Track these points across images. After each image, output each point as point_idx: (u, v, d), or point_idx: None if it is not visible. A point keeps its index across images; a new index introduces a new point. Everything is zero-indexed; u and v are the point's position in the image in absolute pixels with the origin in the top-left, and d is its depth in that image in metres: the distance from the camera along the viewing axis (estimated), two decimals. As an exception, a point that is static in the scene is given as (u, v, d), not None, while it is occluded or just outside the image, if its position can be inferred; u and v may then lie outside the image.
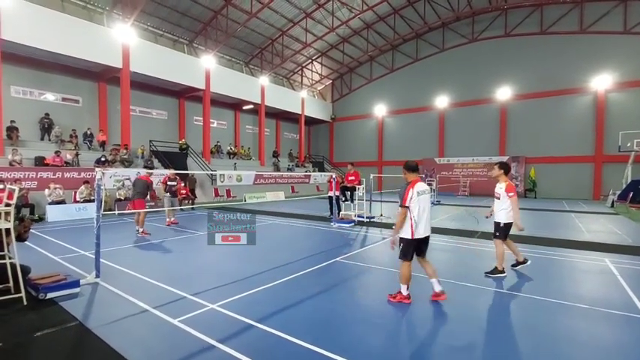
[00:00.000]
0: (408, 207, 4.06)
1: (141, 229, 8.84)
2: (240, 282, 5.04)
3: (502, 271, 5.42)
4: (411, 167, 4.33)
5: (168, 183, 10.87)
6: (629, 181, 18.25)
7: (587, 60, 22.12)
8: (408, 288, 4.26)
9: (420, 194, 4.10)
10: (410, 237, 4.12)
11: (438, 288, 4.30)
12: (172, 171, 10.90)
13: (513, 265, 5.80)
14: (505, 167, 5.51)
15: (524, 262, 5.74)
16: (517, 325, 3.73)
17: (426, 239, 4.28)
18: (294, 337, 3.28)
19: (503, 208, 5.43)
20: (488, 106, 25.97)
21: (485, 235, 9.09)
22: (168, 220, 10.73)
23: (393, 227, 4.34)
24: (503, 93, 25.04)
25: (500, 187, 5.48)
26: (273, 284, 4.92)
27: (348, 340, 3.28)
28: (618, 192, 17.90)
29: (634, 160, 18.84)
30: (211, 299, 4.27)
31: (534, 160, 24.18)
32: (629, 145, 18.84)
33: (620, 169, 19.69)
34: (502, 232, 5.46)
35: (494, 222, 5.58)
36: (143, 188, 9.23)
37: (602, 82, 21.65)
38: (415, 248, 4.22)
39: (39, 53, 15.19)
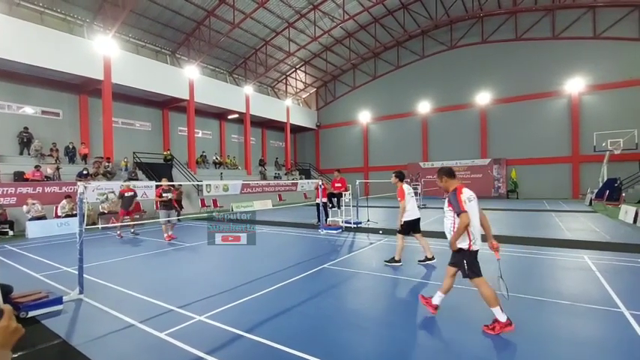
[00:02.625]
0: (466, 211, 3.50)
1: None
2: (228, 292, 5.02)
3: (398, 261, 6.36)
4: (450, 173, 3.91)
5: (163, 195, 9.83)
6: (605, 179, 18.95)
7: (560, 64, 23.02)
8: (502, 310, 3.49)
9: (470, 200, 3.63)
10: (467, 248, 3.59)
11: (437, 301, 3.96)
12: (166, 182, 10.03)
13: (420, 261, 6.51)
14: (400, 175, 6.56)
15: (432, 259, 6.45)
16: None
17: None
18: (284, 346, 3.29)
19: (399, 211, 6.36)
20: (469, 111, 26.65)
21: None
22: (166, 234, 9.78)
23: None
24: (483, 97, 25.77)
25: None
26: (261, 293, 4.92)
27: (337, 346, 3.32)
28: (595, 190, 18.54)
29: (609, 160, 19.58)
30: (199, 311, 4.24)
31: (515, 162, 24.85)
32: (603, 145, 19.60)
33: (597, 168, 20.43)
34: (402, 228, 6.36)
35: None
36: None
37: (575, 85, 22.55)
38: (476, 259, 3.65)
39: (17, 66, 14.88)
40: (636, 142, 18.96)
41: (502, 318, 3.44)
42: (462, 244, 3.59)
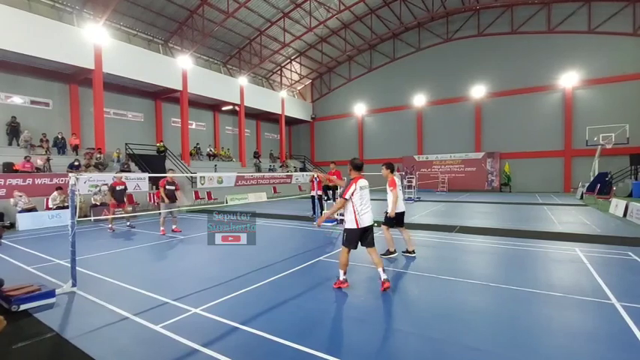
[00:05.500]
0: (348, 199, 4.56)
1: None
2: (224, 285, 5.00)
3: (393, 252, 6.39)
4: (356, 165, 4.79)
5: (167, 187, 9.49)
6: (596, 173, 19.20)
7: (555, 58, 23.10)
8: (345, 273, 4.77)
9: (362, 189, 4.62)
10: (355, 227, 4.56)
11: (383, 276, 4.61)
12: (170, 174, 9.73)
13: (403, 252, 6.59)
14: (391, 167, 6.44)
15: (412, 252, 6.50)
16: (494, 315, 3.88)
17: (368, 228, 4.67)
18: (279, 337, 3.29)
19: (392, 201, 6.26)
20: (464, 104, 26.69)
21: (463, 230, 9.36)
22: (162, 228, 9.55)
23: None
24: (478, 91, 25.80)
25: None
26: (256, 286, 4.91)
27: (332, 338, 3.33)
28: (587, 184, 18.79)
29: (600, 154, 19.81)
30: (194, 303, 4.22)
31: (508, 156, 25.04)
32: (595, 139, 19.80)
33: (588, 162, 20.68)
34: (387, 220, 6.31)
35: (385, 212, 6.35)
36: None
37: (569, 79, 22.67)
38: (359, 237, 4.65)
39: (4, 55, 14.48)
40: (627, 136, 19.18)
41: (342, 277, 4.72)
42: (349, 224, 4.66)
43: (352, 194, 4.54)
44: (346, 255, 4.66)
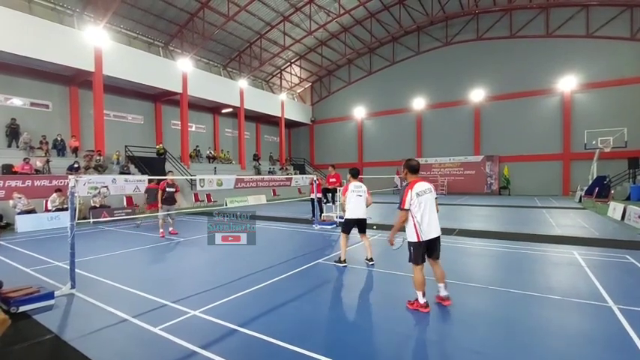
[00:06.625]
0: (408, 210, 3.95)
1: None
2: (223, 287, 5.01)
3: (343, 261, 6.12)
4: (412, 167, 4.14)
5: (167, 190, 9.46)
6: (594, 177, 19.23)
7: (553, 62, 23.21)
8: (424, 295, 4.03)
9: (419, 195, 3.95)
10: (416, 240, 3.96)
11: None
12: (170, 176, 9.79)
13: (365, 260, 6.31)
14: (351, 172, 6.38)
15: (371, 260, 6.19)
16: (493, 318, 3.89)
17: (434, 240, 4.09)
18: (278, 340, 3.30)
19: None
20: (463, 108, 26.78)
21: (462, 232, 9.38)
22: (161, 230, 9.51)
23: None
24: (477, 94, 25.89)
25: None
26: (255, 288, 4.92)
27: (331, 341, 3.34)
28: (585, 188, 18.83)
29: (599, 157, 19.87)
30: (193, 305, 4.22)
31: (507, 159, 25.09)
32: (594, 142, 19.86)
33: (587, 165, 20.73)
34: (343, 226, 6.26)
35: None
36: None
37: (568, 83, 22.77)
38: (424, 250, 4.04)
39: (4, 56, 14.53)
40: (625, 140, 19.24)
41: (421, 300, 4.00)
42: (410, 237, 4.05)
43: (410, 203, 3.93)
44: (418, 272, 4.01)
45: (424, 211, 3.93)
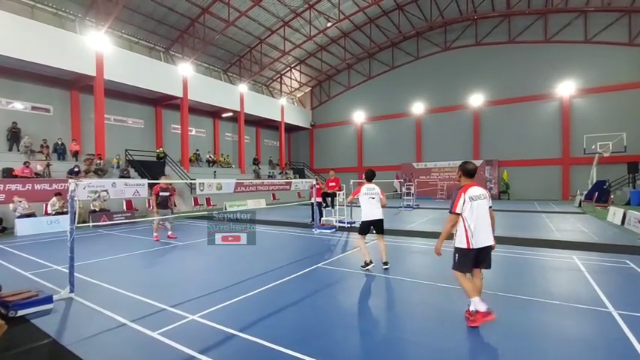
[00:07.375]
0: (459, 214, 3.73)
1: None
2: (222, 291, 5.00)
3: (370, 263, 6.03)
4: (467, 171, 3.95)
5: (161, 194, 9.34)
6: (594, 181, 19.26)
7: (552, 68, 23.32)
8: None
9: (473, 199, 3.74)
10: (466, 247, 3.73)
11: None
12: (164, 180, 9.65)
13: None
14: (366, 174, 6.40)
15: (386, 263, 6.10)
16: (492, 322, 3.87)
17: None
18: (277, 345, 3.29)
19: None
20: (462, 112, 26.86)
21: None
22: (155, 234, 9.43)
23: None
24: (476, 99, 25.99)
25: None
26: (255, 292, 4.91)
27: (331, 346, 3.33)
28: (585, 192, 18.84)
29: (598, 162, 19.90)
30: (192, 310, 4.22)
31: (507, 164, 25.11)
32: (593, 147, 19.90)
33: (586, 170, 20.75)
34: (360, 228, 6.20)
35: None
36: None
37: (566, 88, 22.86)
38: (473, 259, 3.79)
39: (6, 61, 14.60)
40: (625, 145, 19.29)
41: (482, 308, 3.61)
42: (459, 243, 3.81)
43: (462, 207, 3.71)
44: (464, 280, 3.80)
45: (477, 217, 3.71)
